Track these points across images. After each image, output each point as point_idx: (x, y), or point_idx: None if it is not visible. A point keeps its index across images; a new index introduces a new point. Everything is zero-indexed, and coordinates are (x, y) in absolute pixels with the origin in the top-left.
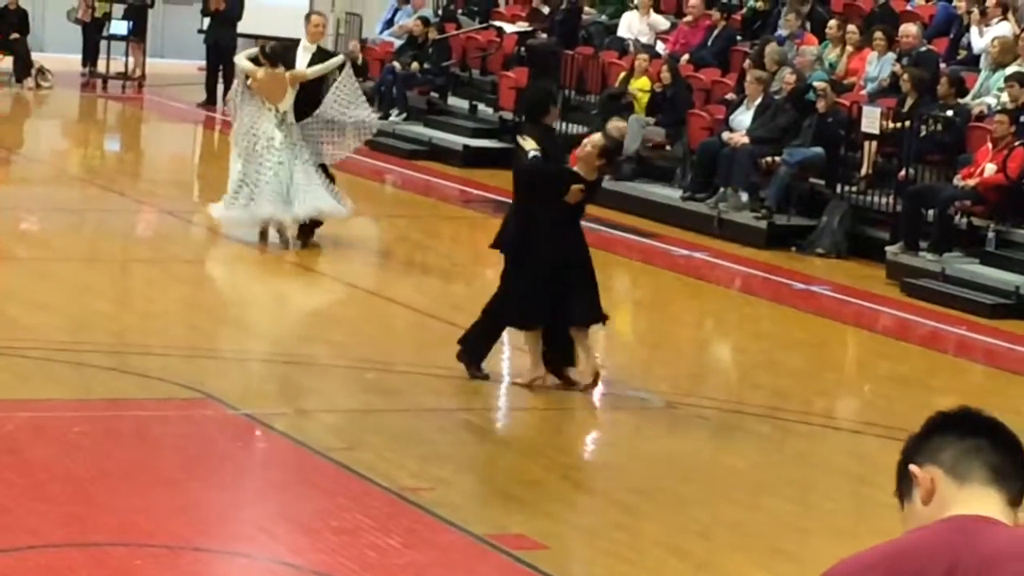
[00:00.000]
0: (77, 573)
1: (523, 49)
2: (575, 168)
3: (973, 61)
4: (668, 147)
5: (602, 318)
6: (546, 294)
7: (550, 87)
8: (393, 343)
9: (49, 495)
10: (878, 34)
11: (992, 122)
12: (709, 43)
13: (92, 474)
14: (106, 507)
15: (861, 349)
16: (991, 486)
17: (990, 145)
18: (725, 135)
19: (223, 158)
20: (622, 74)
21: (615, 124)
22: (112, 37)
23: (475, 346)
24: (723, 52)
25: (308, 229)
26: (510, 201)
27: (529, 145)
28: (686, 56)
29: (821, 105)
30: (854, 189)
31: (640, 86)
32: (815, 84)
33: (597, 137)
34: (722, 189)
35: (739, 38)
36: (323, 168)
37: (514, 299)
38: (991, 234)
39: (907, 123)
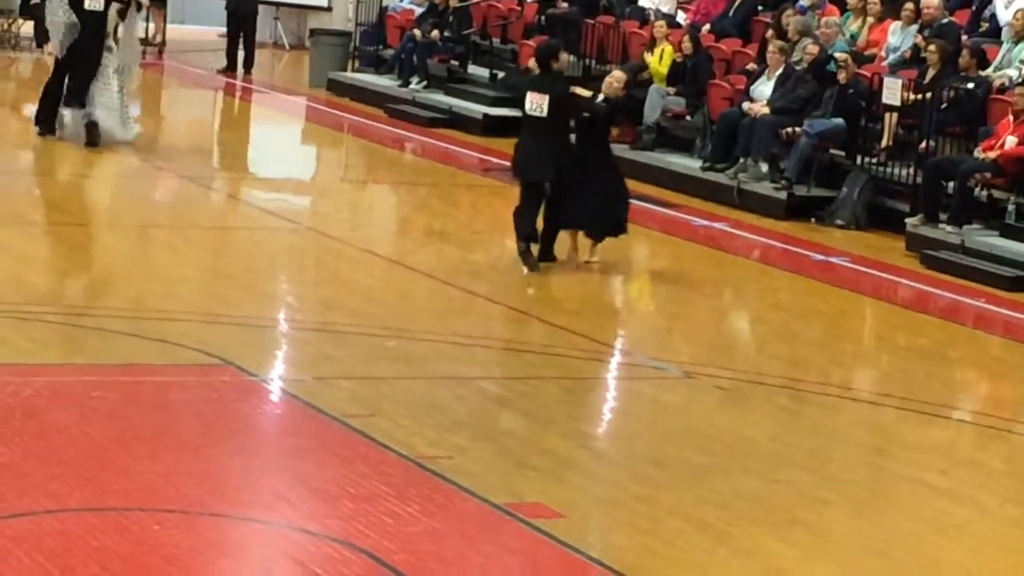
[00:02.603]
0: (95, 537)
1: (543, 18)
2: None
3: (995, 33)
4: (688, 117)
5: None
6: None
7: (558, 42)
8: (413, 311)
9: (67, 459)
10: (908, 4)
11: (1013, 94)
12: (731, 13)
13: (110, 439)
14: (124, 472)
15: (880, 321)
16: None
17: (1011, 117)
18: (745, 105)
19: (243, 124)
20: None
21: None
22: None
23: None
24: (744, 22)
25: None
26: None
27: (588, 92)
28: (707, 26)
29: (842, 76)
30: (874, 161)
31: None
32: (836, 55)
33: (620, 74)
34: (742, 160)
35: (761, 8)
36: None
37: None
38: (1011, 206)
39: (928, 95)
